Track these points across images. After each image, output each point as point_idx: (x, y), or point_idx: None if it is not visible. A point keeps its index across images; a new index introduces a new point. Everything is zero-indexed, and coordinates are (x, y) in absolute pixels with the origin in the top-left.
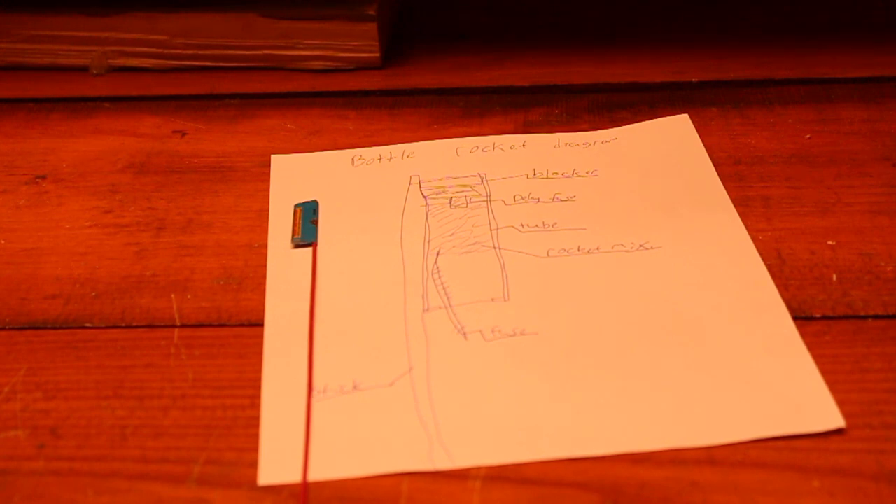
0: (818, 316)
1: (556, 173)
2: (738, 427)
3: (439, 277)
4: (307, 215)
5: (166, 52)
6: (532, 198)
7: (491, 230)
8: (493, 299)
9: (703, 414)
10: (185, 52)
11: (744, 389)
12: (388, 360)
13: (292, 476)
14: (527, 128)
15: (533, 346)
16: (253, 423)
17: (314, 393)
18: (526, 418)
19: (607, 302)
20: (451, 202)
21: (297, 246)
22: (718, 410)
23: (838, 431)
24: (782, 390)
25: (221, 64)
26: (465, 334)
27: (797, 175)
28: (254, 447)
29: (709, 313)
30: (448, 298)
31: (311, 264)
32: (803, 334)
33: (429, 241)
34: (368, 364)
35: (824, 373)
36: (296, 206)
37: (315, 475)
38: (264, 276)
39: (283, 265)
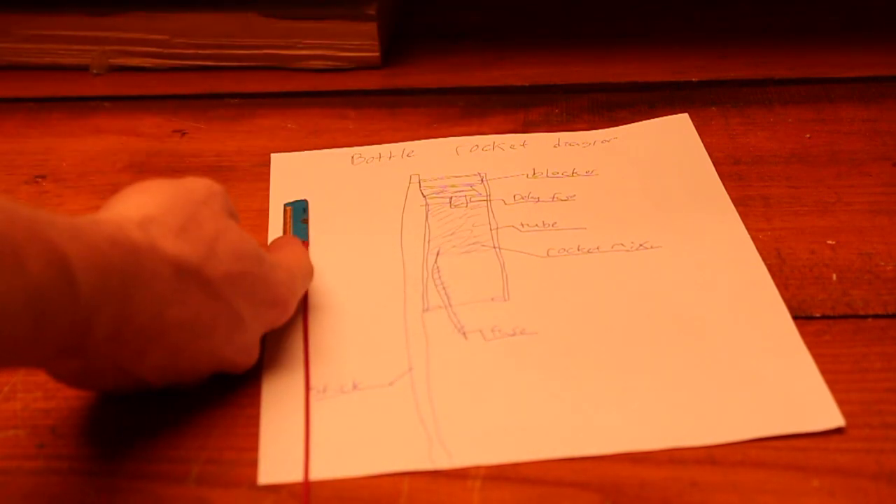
0: (818, 315)
1: (556, 173)
2: (739, 427)
3: (439, 277)
4: (297, 214)
5: (166, 51)
6: (532, 197)
7: (491, 230)
8: (492, 299)
9: (704, 413)
10: (185, 51)
11: (744, 389)
12: (388, 359)
13: (292, 475)
14: (527, 127)
15: (533, 345)
16: (252, 423)
17: (314, 393)
18: (526, 418)
19: (607, 301)
20: (450, 202)
21: None
22: (718, 410)
23: (838, 431)
24: (782, 390)
25: (221, 64)
26: (464, 334)
27: (797, 175)
28: (253, 446)
29: (709, 313)
30: (448, 298)
31: None
32: (803, 334)
33: (429, 241)
34: (368, 364)
35: (824, 372)
36: (286, 205)
37: (315, 475)
38: None
39: None
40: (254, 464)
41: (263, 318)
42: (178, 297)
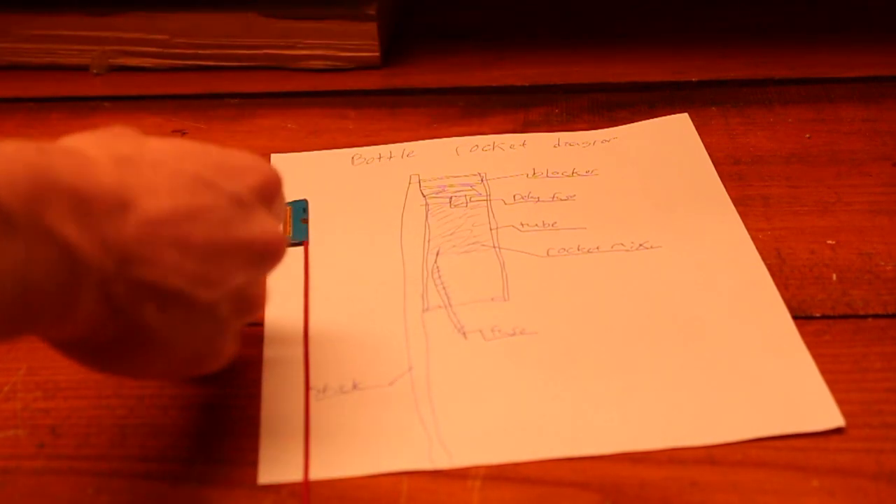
0: (818, 315)
1: (556, 172)
2: (738, 427)
3: (439, 277)
4: (297, 214)
5: (166, 51)
6: (532, 197)
7: (491, 229)
8: (492, 299)
9: (703, 413)
10: (185, 51)
11: (744, 389)
12: (388, 359)
13: (292, 475)
14: (527, 128)
15: (533, 345)
16: (253, 423)
17: (314, 392)
18: (526, 418)
19: (607, 301)
20: (450, 201)
21: (289, 245)
22: (718, 410)
23: (838, 431)
24: (782, 390)
25: (221, 64)
26: (464, 334)
27: (797, 175)
28: (253, 447)
29: (708, 313)
30: (448, 298)
31: (304, 263)
32: (803, 334)
33: (429, 241)
34: (368, 363)
35: (824, 372)
36: (286, 204)
37: (315, 475)
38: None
39: (283, 264)
40: (254, 464)
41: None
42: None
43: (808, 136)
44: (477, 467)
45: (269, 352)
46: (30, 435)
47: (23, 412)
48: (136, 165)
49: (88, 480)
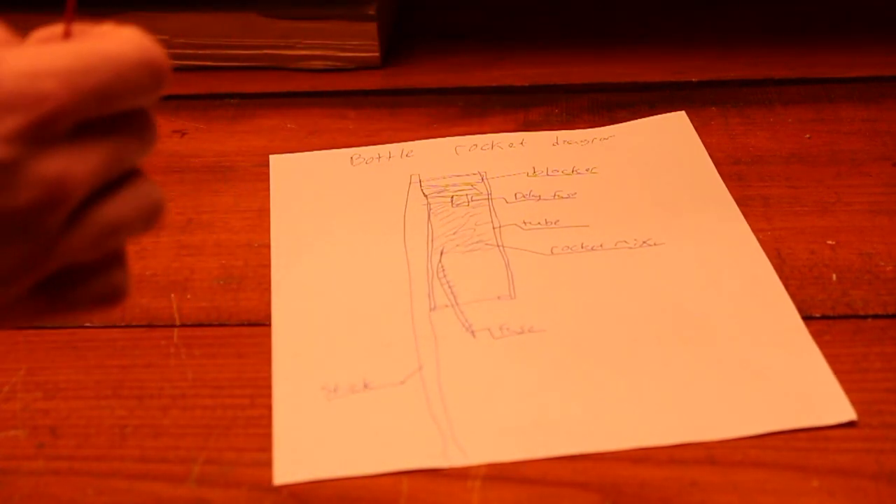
0: (818, 315)
1: (556, 171)
2: (752, 421)
3: (444, 276)
4: None
5: (166, 51)
6: (533, 195)
7: (493, 228)
8: (499, 297)
9: (718, 408)
10: (185, 51)
11: (755, 384)
12: (398, 358)
13: (307, 475)
14: (526, 127)
15: (542, 343)
16: (252, 423)
17: (326, 392)
18: (538, 415)
19: (614, 299)
20: (452, 201)
21: None
22: (732, 405)
23: (839, 430)
24: (793, 384)
25: (221, 64)
26: (473, 332)
27: (797, 175)
28: (253, 447)
29: (715, 308)
30: (454, 297)
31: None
32: None
33: (432, 240)
34: (378, 363)
35: None
36: None
37: (332, 473)
38: (264, 276)
39: (288, 265)
40: (253, 464)
41: None
42: None
43: (808, 136)
44: (477, 467)
45: (277, 352)
46: (29, 435)
47: (22, 412)
48: None
49: (88, 481)
